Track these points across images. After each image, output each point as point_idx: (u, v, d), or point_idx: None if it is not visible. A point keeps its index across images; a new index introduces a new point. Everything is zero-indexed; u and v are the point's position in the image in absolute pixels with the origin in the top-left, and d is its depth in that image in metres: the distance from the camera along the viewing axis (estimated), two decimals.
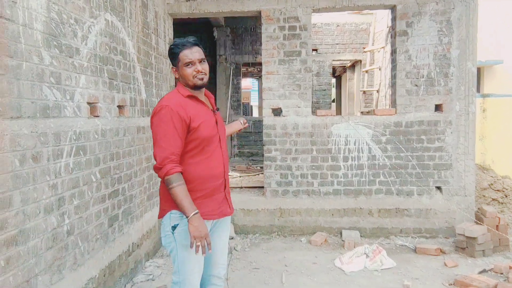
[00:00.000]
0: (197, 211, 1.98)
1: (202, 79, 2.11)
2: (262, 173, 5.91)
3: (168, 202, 2.12)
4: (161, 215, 2.17)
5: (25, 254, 2.14)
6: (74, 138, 2.64)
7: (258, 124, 9.82)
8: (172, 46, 2.15)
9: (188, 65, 2.09)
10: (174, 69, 2.17)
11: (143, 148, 3.99)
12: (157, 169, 2.02)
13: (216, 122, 2.20)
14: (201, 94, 2.20)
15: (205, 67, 2.13)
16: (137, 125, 3.84)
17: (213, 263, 2.30)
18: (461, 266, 3.90)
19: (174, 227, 2.10)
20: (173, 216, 2.11)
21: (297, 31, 4.88)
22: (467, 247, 4.17)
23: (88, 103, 2.85)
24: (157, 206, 4.42)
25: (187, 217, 1.96)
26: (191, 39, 2.13)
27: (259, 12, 4.94)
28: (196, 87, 2.14)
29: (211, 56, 9.92)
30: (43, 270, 2.29)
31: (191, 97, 2.13)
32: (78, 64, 2.70)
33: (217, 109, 2.27)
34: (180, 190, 1.98)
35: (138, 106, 3.89)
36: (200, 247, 1.96)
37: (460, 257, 4.12)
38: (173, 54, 2.13)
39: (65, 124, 2.53)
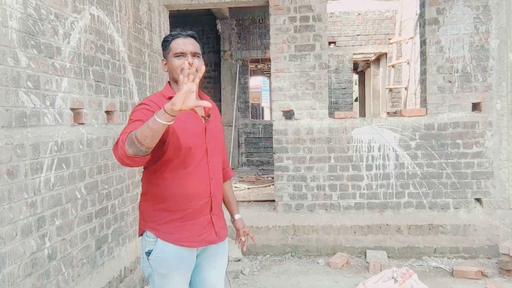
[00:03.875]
0: (158, 111, 1.69)
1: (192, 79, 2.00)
2: (273, 185, 5.88)
3: (143, 219, 2.12)
4: (139, 234, 2.16)
5: (0, 282, 2.14)
6: (56, 149, 2.66)
7: (268, 128, 9.82)
8: (165, 36, 2.17)
9: (179, 56, 2.05)
10: (164, 62, 2.15)
11: None
12: (114, 153, 1.81)
13: (206, 131, 2.10)
14: None
15: (198, 63, 2.00)
16: None
17: None
18: None
19: (148, 253, 2.06)
20: (147, 239, 2.07)
21: (310, 22, 4.87)
22: None
23: (72, 109, 2.87)
24: None
25: (163, 117, 1.63)
26: (188, 31, 2.13)
27: (267, 1, 4.95)
28: None
29: (215, 52, 9.98)
30: None
31: None
32: (60, 65, 2.72)
33: (209, 116, 2.15)
34: (139, 130, 1.70)
35: (130, 111, 3.91)
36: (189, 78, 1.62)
37: (505, 281, 4.03)
38: (165, 43, 2.13)
39: (45, 133, 2.55)
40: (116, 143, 1.81)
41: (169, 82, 2.19)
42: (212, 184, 2.12)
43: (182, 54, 2.04)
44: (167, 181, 2.02)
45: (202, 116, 2.12)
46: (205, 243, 2.12)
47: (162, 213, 2.05)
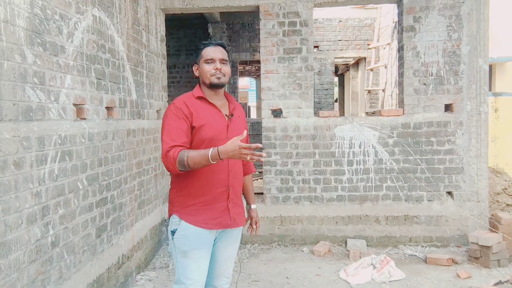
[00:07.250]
0: (212, 148, 1.97)
1: (219, 78, 2.19)
2: (262, 178, 5.89)
3: (171, 204, 2.28)
4: (169, 216, 2.31)
5: (6, 268, 2.11)
6: (59, 142, 2.62)
7: (256, 126, 9.81)
8: (198, 44, 2.31)
9: (209, 61, 2.20)
10: (196, 67, 2.28)
11: (133, 152, 3.97)
12: (164, 163, 2.07)
13: (228, 128, 2.23)
14: (216, 96, 2.27)
15: (225, 68, 2.22)
16: (127, 128, 3.82)
17: (216, 274, 2.37)
18: (474, 277, 3.89)
19: (173, 232, 2.21)
20: (173, 220, 2.24)
21: (297, 27, 4.88)
22: (481, 257, 4.15)
23: (74, 105, 2.83)
24: (148, 214, 4.39)
25: (214, 158, 1.95)
26: (218, 41, 2.30)
27: (257, 7, 4.94)
28: (212, 86, 2.21)
29: None
30: (26, 285, 2.26)
31: (201, 98, 2.23)
32: (64, 63, 2.68)
33: (231, 115, 2.28)
34: (192, 155, 2.00)
35: (128, 107, 3.87)
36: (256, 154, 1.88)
37: (473, 268, 4.11)
38: (197, 50, 2.27)
39: (50, 127, 2.51)
40: (166, 156, 2.04)
41: (199, 84, 2.32)
42: (230, 175, 2.24)
43: (211, 60, 2.20)
44: (191, 171, 2.14)
45: (225, 115, 2.26)
46: (220, 226, 2.24)
47: (186, 198, 2.21)
